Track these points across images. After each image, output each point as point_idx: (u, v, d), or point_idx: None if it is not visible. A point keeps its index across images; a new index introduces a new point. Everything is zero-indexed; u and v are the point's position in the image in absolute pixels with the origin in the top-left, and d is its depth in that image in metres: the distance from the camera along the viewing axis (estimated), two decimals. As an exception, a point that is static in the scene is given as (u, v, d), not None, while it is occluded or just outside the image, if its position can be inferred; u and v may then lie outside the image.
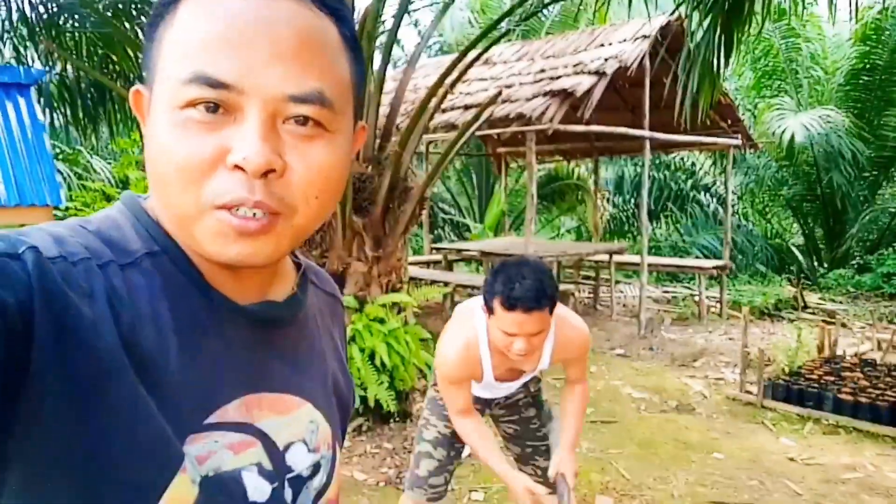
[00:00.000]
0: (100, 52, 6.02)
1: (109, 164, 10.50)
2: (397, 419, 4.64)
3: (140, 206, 0.63)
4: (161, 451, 0.53)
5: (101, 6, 4.76)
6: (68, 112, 6.35)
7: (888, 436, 4.44)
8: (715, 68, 3.68)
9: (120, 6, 5.34)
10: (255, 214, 0.55)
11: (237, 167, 0.54)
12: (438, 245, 10.29)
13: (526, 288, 1.90)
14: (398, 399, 4.58)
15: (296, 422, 0.68)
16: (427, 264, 9.51)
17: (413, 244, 11.74)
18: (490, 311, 2.00)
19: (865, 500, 3.57)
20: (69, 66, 6.18)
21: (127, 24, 5.43)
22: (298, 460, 0.67)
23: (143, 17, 5.65)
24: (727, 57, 3.71)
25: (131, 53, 5.96)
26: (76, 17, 5.22)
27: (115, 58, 6.04)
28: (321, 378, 0.74)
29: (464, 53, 4.31)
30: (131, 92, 0.63)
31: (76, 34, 5.72)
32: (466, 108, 7.28)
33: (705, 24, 3.54)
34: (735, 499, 3.61)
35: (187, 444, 0.56)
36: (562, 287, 7.57)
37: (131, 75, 6.31)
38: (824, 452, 4.26)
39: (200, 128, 0.55)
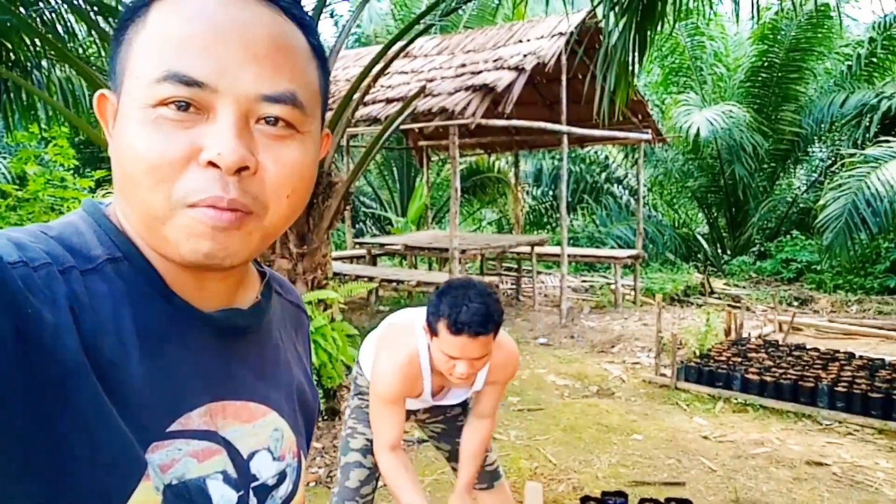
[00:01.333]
0: (-8, 39, 5.63)
1: (4, 158, 9.83)
2: (325, 417, 4.60)
3: (102, 212, 0.62)
4: (124, 458, 0.53)
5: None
6: (-42, 104, 5.90)
7: (790, 412, 4.77)
8: (630, 67, 3.82)
9: (15, -10, 5.00)
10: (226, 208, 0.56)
11: (211, 164, 0.54)
12: (361, 240, 10.22)
13: (473, 312, 1.85)
14: (326, 397, 4.54)
15: (260, 430, 0.67)
16: (350, 259, 9.43)
17: (335, 239, 11.61)
18: (434, 332, 1.94)
19: (773, 472, 3.83)
20: (-43, 55, 5.74)
21: (23, 10, 5.10)
22: (263, 468, 0.67)
23: (41, 3, 5.33)
24: (641, 56, 3.86)
25: (28, 41, 5.61)
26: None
27: (9, 46, 5.66)
28: (286, 387, 0.74)
29: (387, 47, 4.29)
30: (96, 96, 0.62)
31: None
32: (388, 101, 7.26)
33: (621, 24, 3.67)
34: (655, 477, 3.79)
35: (150, 452, 0.55)
36: (486, 279, 7.69)
37: (28, 65, 5.93)
38: (734, 430, 4.53)
39: (172, 126, 0.54)
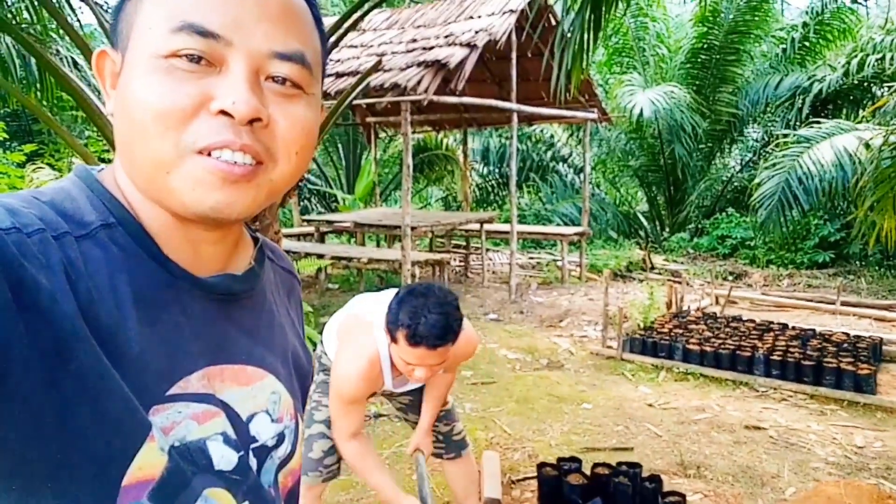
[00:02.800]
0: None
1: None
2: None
3: (94, 177, 0.62)
4: (128, 419, 0.54)
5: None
6: None
7: (729, 379, 5.02)
8: (585, 47, 3.89)
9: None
10: (237, 161, 0.56)
11: (222, 112, 0.55)
12: (310, 217, 10.09)
13: (431, 324, 1.84)
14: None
15: (258, 393, 0.68)
16: (298, 237, 9.32)
17: (281, 216, 11.41)
18: (393, 339, 1.94)
19: (715, 437, 4.04)
20: None
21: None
22: (262, 430, 0.68)
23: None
24: (595, 37, 3.93)
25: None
26: None
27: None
28: (281, 351, 0.75)
29: (342, 20, 4.23)
30: (96, 52, 0.62)
31: None
32: (338, 75, 7.16)
33: (577, 5, 3.73)
34: (605, 443, 3.95)
35: (151, 415, 0.56)
36: (436, 256, 7.74)
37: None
38: (677, 397, 4.74)
39: (185, 76, 0.55)
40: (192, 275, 0.63)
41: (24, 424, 0.48)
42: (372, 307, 2.21)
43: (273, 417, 0.70)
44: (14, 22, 5.62)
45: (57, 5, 4.82)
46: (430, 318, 1.85)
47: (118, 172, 0.63)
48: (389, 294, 2.28)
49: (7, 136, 7.73)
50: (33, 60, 5.76)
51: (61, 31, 5.28)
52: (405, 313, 1.88)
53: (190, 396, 0.60)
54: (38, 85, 6.32)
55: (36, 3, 5.32)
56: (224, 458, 0.62)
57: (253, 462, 0.67)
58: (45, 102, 6.41)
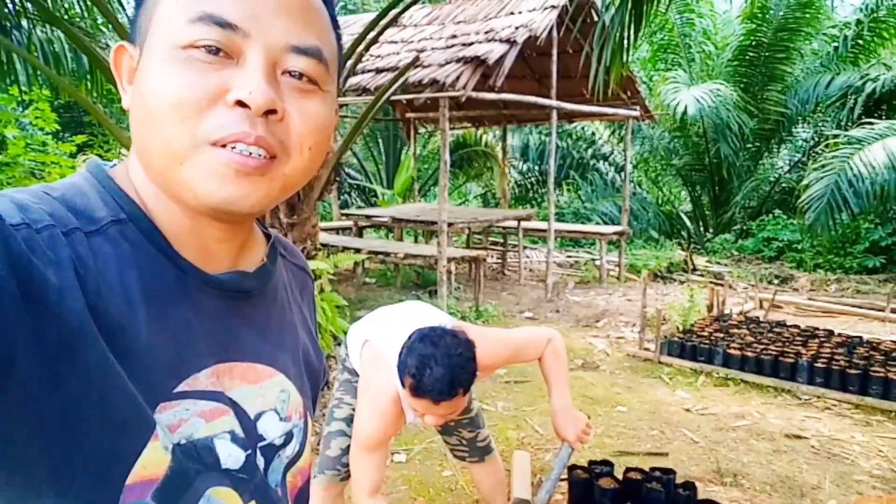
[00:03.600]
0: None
1: (-18, 121, 9.58)
2: (314, 386, 4.62)
3: (106, 173, 0.62)
4: (133, 418, 0.53)
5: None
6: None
7: (771, 386, 4.88)
8: (626, 44, 3.82)
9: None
10: (251, 153, 0.56)
11: (239, 103, 0.55)
12: (348, 211, 10.17)
13: (436, 378, 1.77)
14: (315, 366, 4.56)
15: (267, 391, 0.68)
16: (336, 231, 9.40)
17: (321, 210, 11.54)
18: (402, 383, 1.88)
19: (753, 445, 3.92)
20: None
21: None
22: (270, 429, 0.68)
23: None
24: (636, 32, 3.85)
25: (8, 1, 5.45)
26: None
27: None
28: (292, 348, 0.75)
29: (381, 16, 4.24)
30: (114, 47, 0.62)
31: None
32: (378, 71, 7.18)
33: (617, 1, 3.66)
34: (639, 448, 3.87)
35: (158, 412, 0.56)
36: (472, 253, 7.72)
37: (7, 24, 5.78)
38: (716, 403, 4.63)
39: (203, 67, 0.55)
40: (203, 271, 0.63)
41: (27, 421, 0.48)
42: (389, 337, 2.12)
43: (281, 416, 0.69)
44: (66, 17, 5.79)
45: (106, 0, 4.94)
46: (435, 371, 1.77)
47: (132, 168, 0.63)
48: (409, 314, 2.24)
49: (59, 127, 7.97)
50: (84, 55, 5.92)
51: (110, 26, 5.41)
52: (412, 361, 1.82)
53: (198, 394, 0.60)
54: (88, 78, 6.50)
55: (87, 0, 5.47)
56: (231, 456, 0.62)
57: (260, 461, 0.66)
58: (94, 95, 6.58)
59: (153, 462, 0.54)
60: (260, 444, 0.66)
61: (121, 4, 5.40)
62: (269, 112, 0.56)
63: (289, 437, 0.71)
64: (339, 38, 0.67)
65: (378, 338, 2.20)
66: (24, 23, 6.01)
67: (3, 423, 0.47)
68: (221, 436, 0.61)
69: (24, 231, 0.50)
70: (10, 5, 5.57)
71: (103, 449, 0.52)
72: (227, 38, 0.55)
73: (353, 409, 2.31)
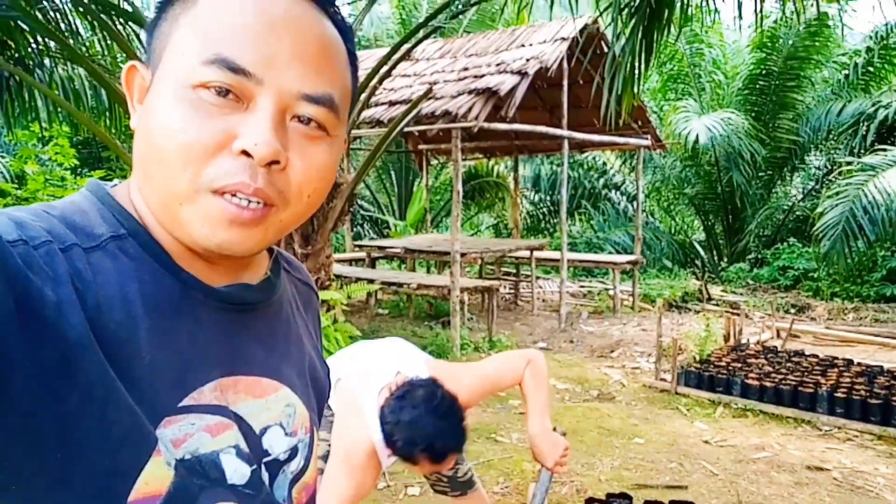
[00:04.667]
0: (-5, 36, 5.62)
1: (3, 157, 9.78)
2: (327, 418, 4.59)
3: (106, 191, 0.62)
4: (134, 434, 0.53)
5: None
6: (-43, 103, 5.87)
7: (790, 417, 4.79)
8: (637, 73, 3.85)
9: (20, -12, 5.00)
10: (249, 203, 0.56)
11: (244, 153, 0.55)
12: (361, 242, 10.22)
13: (423, 448, 1.77)
14: (328, 398, 4.54)
15: (273, 405, 0.67)
16: (349, 262, 9.43)
17: (334, 242, 11.60)
18: (389, 448, 1.85)
19: (775, 477, 3.84)
20: (-41, 53, 5.73)
21: (28, 8, 5.09)
22: (275, 444, 0.67)
23: (45, 2, 5.32)
24: (647, 62, 3.89)
25: (31, 40, 5.60)
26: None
27: (13, 44, 5.66)
28: (298, 362, 0.74)
29: (394, 50, 4.31)
30: (126, 66, 0.62)
31: (-32, 18, 5.31)
32: (391, 104, 7.27)
33: (628, 30, 3.70)
34: (657, 480, 3.80)
35: (162, 427, 0.55)
36: (485, 283, 7.70)
37: (31, 63, 5.92)
38: (735, 434, 4.55)
39: (210, 109, 0.55)
40: (206, 284, 0.62)
41: (24, 436, 0.48)
42: (363, 380, 2.06)
43: (287, 431, 0.69)
44: (87, 55, 5.93)
45: (126, 38, 5.07)
46: (420, 442, 1.76)
47: (133, 188, 0.63)
48: (383, 352, 2.20)
49: (78, 163, 8.12)
50: (104, 91, 6.05)
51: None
52: (402, 432, 1.78)
53: (203, 408, 0.59)
54: (107, 114, 6.64)
55: (107, 37, 5.61)
56: (237, 471, 0.61)
57: (265, 476, 0.66)
58: (113, 131, 6.70)
59: (156, 478, 0.54)
60: (265, 460, 0.66)
61: (140, 42, 5.52)
62: (272, 162, 0.56)
63: (294, 451, 0.70)
64: (354, 71, 0.66)
65: (351, 379, 2.13)
66: (46, 61, 6.16)
67: None
68: (227, 450, 0.61)
69: (21, 248, 0.50)
70: (34, 44, 5.72)
71: (103, 465, 0.51)
72: (239, 82, 0.55)
73: (329, 446, 2.26)
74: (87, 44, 6.46)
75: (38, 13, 5.18)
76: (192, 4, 0.57)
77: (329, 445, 2.23)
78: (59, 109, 6.51)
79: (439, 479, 2.47)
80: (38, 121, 6.67)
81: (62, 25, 5.60)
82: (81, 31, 6.03)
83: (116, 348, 0.53)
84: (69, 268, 0.52)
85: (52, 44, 5.61)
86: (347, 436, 2.01)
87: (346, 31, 0.64)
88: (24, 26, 5.34)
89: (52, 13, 5.53)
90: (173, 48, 0.57)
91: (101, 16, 4.97)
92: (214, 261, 0.63)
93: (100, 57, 6.45)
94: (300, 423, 0.71)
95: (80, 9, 5.20)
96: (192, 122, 0.55)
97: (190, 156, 0.55)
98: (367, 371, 2.09)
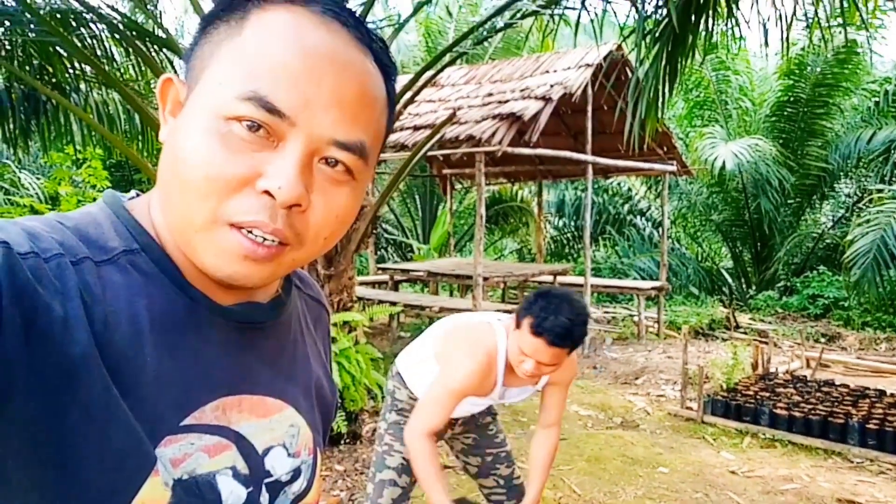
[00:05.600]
0: (34, 62, 5.82)
1: (38, 179, 10.05)
2: (347, 441, 4.59)
3: (122, 204, 0.62)
4: (133, 453, 0.52)
5: (45, 14, 4.61)
6: (-5, 124, 6.06)
7: (820, 448, 4.66)
8: (660, 98, 3.85)
9: (59, 15, 5.18)
10: (265, 240, 0.55)
11: (266, 192, 0.54)
12: (384, 265, 10.26)
13: (557, 323, 1.93)
14: (348, 420, 4.53)
15: (277, 425, 0.67)
16: (373, 284, 9.47)
17: (357, 265, 11.67)
18: (518, 325, 2.04)
19: (803, 509, 3.74)
20: (-1, 77, 5.95)
21: (66, 34, 5.28)
22: (278, 465, 0.66)
23: (82, 29, 5.51)
24: (671, 87, 3.89)
25: (68, 65, 5.79)
26: (16, 23, 5.03)
27: (51, 69, 5.85)
28: (304, 382, 0.73)
29: (417, 76, 4.37)
30: (162, 78, 0.62)
31: (10, 43, 5.51)
32: (416, 128, 7.35)
33: (651, 55, 3.71)
34: (682, 511, 3.72)
35: (162, 446, 0.55)
36: (508, 308, 7.67)
37: (67, 87, 6.11)
38: (763, 465, 4.43)
39: (240, 145, 0.54)
40: (214, 302, 0.62)
41: (22, 451, 0.48)
42: (484, 316, 2.31)
43: (290, 452, 0.68)
44: (121, 79, 6.11)
45: (160, 64, 5.22)
46: (559, 319, 1.93)
47: (154, 202, 0.63)
48: (479, 316, 2.39)
49: (110, 185, 8.30)
50: (137, 115, 6.21)
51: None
52: (538, 306, 1.97)
53: (204, 428, 0.59)
54: (140, 137, 6.80)
55: (141, 63, 5.78)
56: (233, 493, 0.61)
57: (265, 497, 0.65)
58: (145, 154, 6.86)
59: (152, 498, 0.53)
60: (267, 480, 0.65)
61: (173, 68, 5.68)
62: (295, 205, 0.56)
63: (296, 473, 0.69)
64: (391, 114, 0.65)
65: (468, 320, 2.36)
66: (82, 85, 6.35)
67: None
68: (223, 472, 0.60)
69: (31, 260, 0.50)
70: (70, 69, 5.91)
71: (100, 483, 0.51)
72: (273, 121, 0.54)
73: (404, 457, 2.31)
74: (122, 69, 6.65)
75: (75, 39, 5.37)
76: (237, 33, 0.57)
77: (404, 458, 2.33)
78: (93, 133, 6.69)
79: (497, 484, 2.49)
80: (72, 143, 6.85)
81: (98, 51, 5.79)
82: (117, 56, 6.22)
83: (121, 365, 0.53)
84: (79, 281, 0.52)
85: (87, 69, 5.79)
86: (473, 336, 2.21)
87: (388, 70, 0.63)
88: (63, 52, 5.53)
89: (89, 39, 5.71)
90: (213, 74, 0.56)
91: (136, 42, 5.13)
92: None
93: (134, 82, 6.64)
94: (303, 444, 0.70)
95: (116, 35, 5.38)
96: (219, 154, 0.54)
97: (212, 189, 0.54)
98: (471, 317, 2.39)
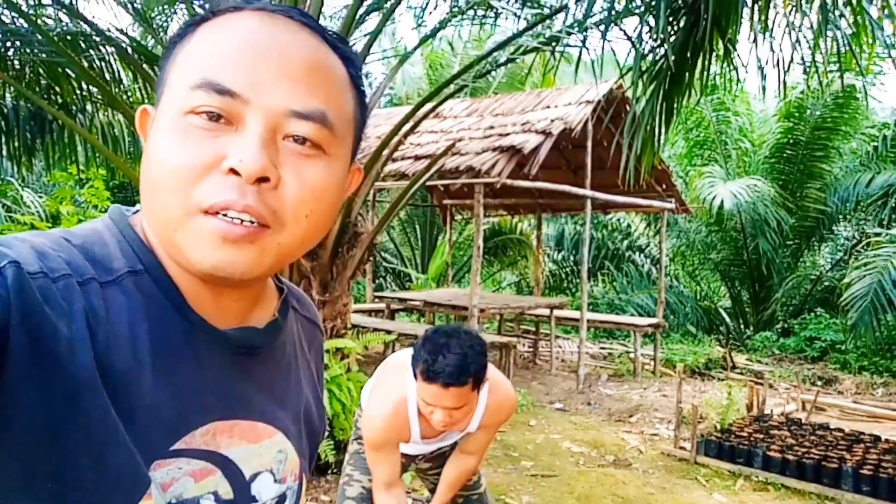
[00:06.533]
0: (42, 82, 5.90)
1: (41, 197, 10.10)
2: (335, 470, 4.52)
3: (127, 221, 0.63)
4: (129, 475, 0.52)
5: (55, 36, 4.69)
6: (1, 141, 6.12)
7: (813, 493, 4.59)
8: (656, 134, 3.89)
9: (69, 38, 5.27)
10: (241, 221, 0.55)
11: (232, 171, 0.54)
12: (381, 294, 10.25)
13: (448, 363, 1.84)
14: (336, 450, 4.47)
15: (265, 451, 0.67)
16: (369, 312, 9.44)
17: (355, 292, 11.65)
18: (414, 374, 1.95)
19: (795, 555, 3.67)
20: (7, 95, 6.02)
21: (75, 56, 5.36)
22: (264, 490, 0.66)
23: (91, 51, 5.59)
24: (668, 124, 3.93)
25: (75, 86, 5.87)
26: (25, 44, 5.11)
27: (58, 89, 5.93)
28: (294, 407, 0.73)
29: (419, 106, 4.43)
30: (138, 111, 0.64)
31: (20, 62, 5.59)
32: (417, 158, 7.41)
33: (648, 93, 3.76)
34: (671, 553, 3.65)
35: (152, 470, 0.55)
36: (503, 339, 7.64)
37: (73, 108, 6.18)
38: (755, 508, 4.37)
39: (200, 134, 0.55)
40: (213, 326, 0.62)
41: (19, 471, 0.48)
42: (408, 353, 2.19)
43: (276, 477, 0.68)
44: (127, 101, 6.18)
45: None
46: (448, 357, 1.85)
47: (144, 222, 0.63)
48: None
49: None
50: (142, 137, 6.27)
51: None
52: (425, 350, 1.89)
53: (192, 452, 0.59)
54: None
55: (148, 86, 5.85)
56: None
57: None
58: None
59: None
60: None
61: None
62: (262, 179, 0.55)
63: (282, 499, 0.69)
64: (360, 98, 0.65)
65: (401, 353, 2.28)
66: (88, 106, 6.43)
67: None
68: (206, 497, 0.60)
69: (41, 280, 0.50)
70: (77, 90, 5.98)
71: None
72: (227, 104, 0.55)
73: (363, 487, 2.27)
74: (129, 91, 6.74)
75: (84, 60, 5.45)
76: (188, 42, 0.59)
77: (363, 487, 2.31)
78: (97, 153, 6.74)
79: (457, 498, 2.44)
80: (76, 163, 6.89)
81: (106, 74, 5.87)
82: (124, 79, 6.30)
83: (120, 388, 0.53)
84: (84, 303, 0.53)
85: (94, 90, 5.86)
86: (384, 384, 2.18)
87: (348, 56, 0.64)
88: (71, 73, 5.61)
89: (97, 61, 5.80)
90: (171, 85, 0.58)
91: (144, 66, 5.21)
92: (223, 300, 0.63)
93: (140, 104, 6.70)
94: (290, 470, 0.70)
95: (125, 59, 5.46)
96: (181, 147, 0.55)
97: (179, 179, 0.54)
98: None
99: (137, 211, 0.65)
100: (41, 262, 0.51)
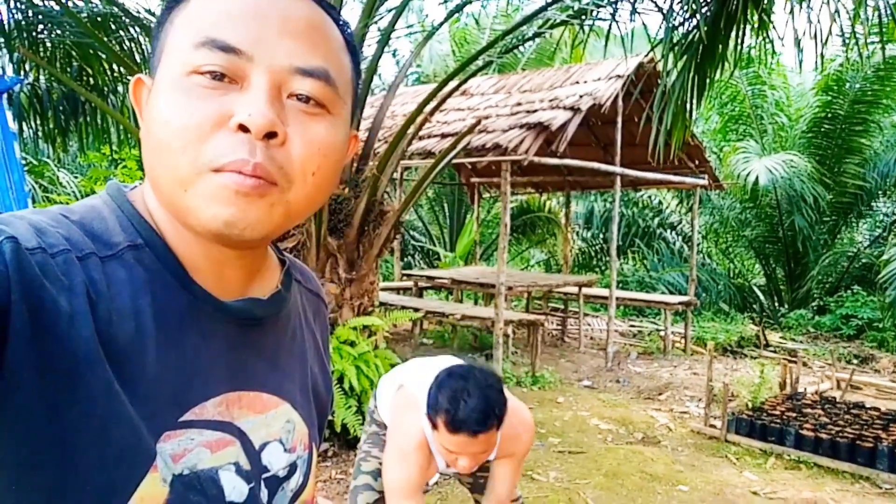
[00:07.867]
0: (74, 63, 5.98)
1: (76, 177, 10.31)
2: (363, 445, 4.58)
3: (125, 196, 0.62)
4: (132, 448, 0.53)
5: (84, 17, 4.74)
6: (37, 123, 6.24)
7: (847, 472, 4.53)
8: (687, 108, 3.80)
9: (99, 19, 5.33)
10: (252, 174, 0.55)
11: (241, 127, 0.54)
12: (409, 272, 10.29)
13: (471, 408, 1.76)
14: (365, 423, 4.53)
15: (273, 421, 0.67)
16: (397, 290, 9.49)
17: (383, 270, 11.72)
18: (433, 425, 1.86)
19: (826, 534, 3.63)
20: (41, 77, 6.12)
21: (105, 38, 5.41)
22: (274, 460, 0.67)
23: (121, 32, 5.64)
24: (699, 98, 3.84)
25: (106, 67, 5.94)
26: (57, 26, 5.18)
27: (90, 71, 6.00)
28: (300, 378, 0.74)
29: (444, 83, 4.39)
30: (133, 80, 0.63)
31: (52, 44, 5.67)
32: (443, 136, 7.36)
33: (679, 65, 3.67)
34: (700, 531, 3.64)
35: (161, 442, 0.55)
36: (530, 317, 7.62)
37: (105, 89, 6.26)
38: (786, 487, 4.32)
39: (205, 92, 0.55)
40: (216, 298, 0.62)
41: (21, 447, 0.48)
42: (422, 379, 2.09)
43: (286, 447, 0.68)
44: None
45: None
46: (469, 403, 1.76)
47: (147, 193, 0.63)
48: (444, 363, 2.21)
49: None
50: (136, 108, 6.34)
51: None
52: (444, 398, 1.81)
53: (205, 423, 0.59)
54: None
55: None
56: (235, 488, 0.61)
57: (264, 493, 0.65)
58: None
59: (150, 494, 0.53)
60: (264, 476, 0.65)
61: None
62: (270, 135, 0.55)
63: (293, 468, 0.69)
64: (355, 61, 0.65)
65: (413, 382, 2.18)
66: (119, 88, 6.50)
67: None
68: (226, 467, 0.60)
69: (39, 255, 0.50)
70: (108, 72, 6.05)
71: (99, 480, 0.51)
72: (231, 62, 0.55)
73: (381, 463, 2.28)
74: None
75: (114, 42, 5.50)
76: (185, 6, 0.58)
77: (380, 463, 2.27)
78: (129, 134, 6.84)
79: None
80: (109, 144, 7.00)
81: (136, 55, 5.92)
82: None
83: (123, 361, 0.53)
84: (84, 277, 0.52)
85: (124, 71, 5.92)
86: (402, 429, 2.06)
87: (339, 22, 0.64)
88: (101, 54, 5.67)
89: (127, 42, 5.85)
90: (170, 49, 0.58)
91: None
92: (226, 271, 0.63)
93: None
94: (299, 440, 0.71)
95: (152, 38, 5.50)
96: (187, 105, 0.54)
97: (188, 138, 0.54)
98: (430, 376, 2.12)
99: (135, 187, 0.65)
100: (39, 238, 0.51)
